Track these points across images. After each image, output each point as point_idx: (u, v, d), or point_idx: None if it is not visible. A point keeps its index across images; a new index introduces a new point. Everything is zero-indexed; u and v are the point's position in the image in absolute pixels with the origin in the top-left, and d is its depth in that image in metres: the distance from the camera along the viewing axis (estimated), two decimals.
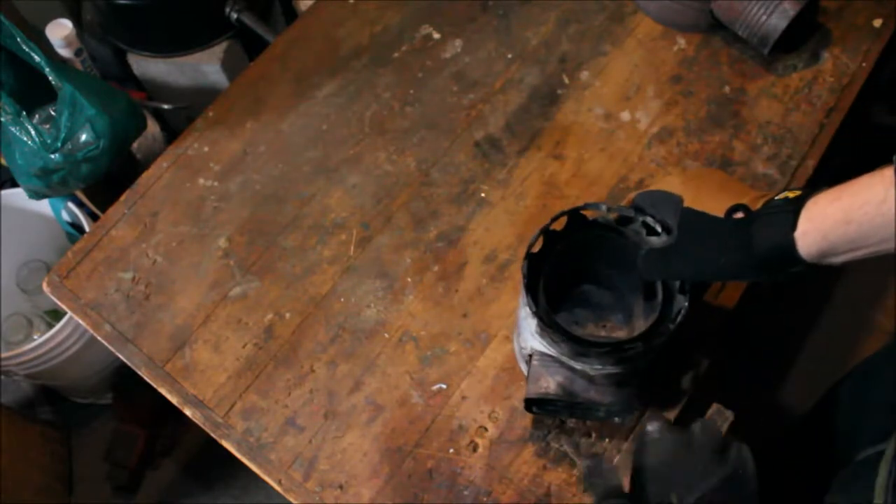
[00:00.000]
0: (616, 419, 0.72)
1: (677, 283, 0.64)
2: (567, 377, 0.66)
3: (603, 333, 0.72)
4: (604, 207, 0.66)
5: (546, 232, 0.66)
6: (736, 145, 0.88)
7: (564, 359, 0.66)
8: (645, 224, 0.66)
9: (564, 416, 0.72)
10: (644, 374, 0.68)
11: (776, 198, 0.57)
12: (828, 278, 1.56)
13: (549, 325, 0.64)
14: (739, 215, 0.60)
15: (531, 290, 0.65)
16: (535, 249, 0.66)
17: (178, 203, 0.88)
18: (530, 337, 0.68)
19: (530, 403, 0.70)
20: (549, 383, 0.67)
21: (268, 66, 0.97)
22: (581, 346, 0.63)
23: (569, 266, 0.70)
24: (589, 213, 0.67)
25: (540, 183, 0.87)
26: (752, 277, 0.58)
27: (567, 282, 0.73)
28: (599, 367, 0.64)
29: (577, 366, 0.65)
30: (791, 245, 0.53)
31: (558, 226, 0.67)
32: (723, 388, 0.90)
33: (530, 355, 0.69)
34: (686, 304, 0.63)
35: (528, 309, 0.64)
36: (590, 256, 0.70)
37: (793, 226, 0.53)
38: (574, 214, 0.67)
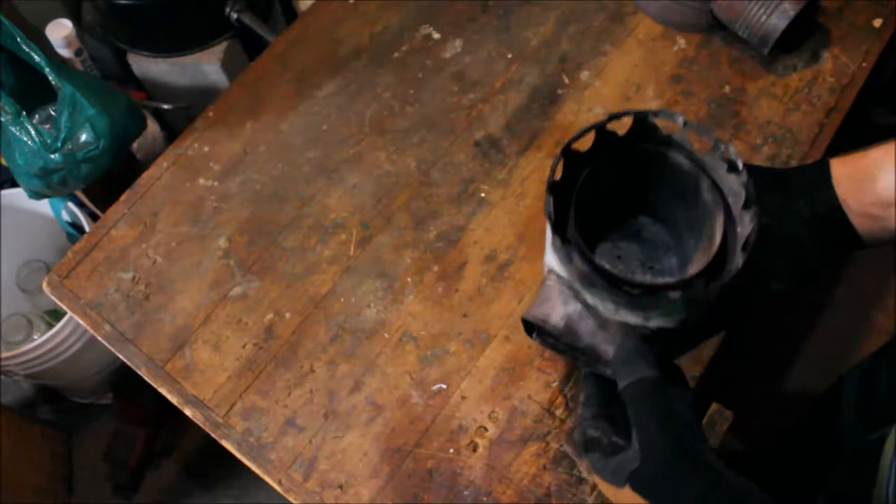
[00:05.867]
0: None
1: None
2: (577, 312, 0.54)
3: (648, 278, 0.57)
4: (680, 119, 0.52)
5: (601, 130, 0.54)
6: (736, 145, 0.88)
7: (577, 286, 0.53)
8: (724, 158, 0.53)
9: (567, 355, 0.61)
10: (672, 337, 0.53)
11: None
12: (828, 278, 1.56)
13: (555, 230, 0.51)
14: None
15: (553, 189, 0.53)
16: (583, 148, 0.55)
17: (178, 203, 0.88)
18: (549, 250, 0.56)
19: (530, 327, 0.59)
20: (554, 311, 0.54)
21: (268, 66, 0.97)
22: (586, 269, 0.50)
23: (625, 189, 0.57)
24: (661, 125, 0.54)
25: (540, 183, 0.87)
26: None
27: (621, 210, 0.60)
28: (612, 307, 0.52)
29: (590, 300, 0.53)
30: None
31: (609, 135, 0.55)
32: (723, 387, 0.90)
33: (549, 271, 0.57)
34: (750, 237, 0.49)
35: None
36: (647, 181, 0.57)
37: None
38: (641, 120, 0.54)
